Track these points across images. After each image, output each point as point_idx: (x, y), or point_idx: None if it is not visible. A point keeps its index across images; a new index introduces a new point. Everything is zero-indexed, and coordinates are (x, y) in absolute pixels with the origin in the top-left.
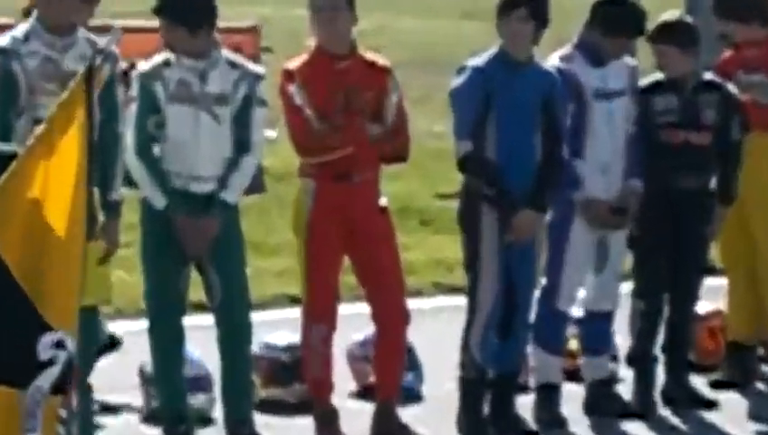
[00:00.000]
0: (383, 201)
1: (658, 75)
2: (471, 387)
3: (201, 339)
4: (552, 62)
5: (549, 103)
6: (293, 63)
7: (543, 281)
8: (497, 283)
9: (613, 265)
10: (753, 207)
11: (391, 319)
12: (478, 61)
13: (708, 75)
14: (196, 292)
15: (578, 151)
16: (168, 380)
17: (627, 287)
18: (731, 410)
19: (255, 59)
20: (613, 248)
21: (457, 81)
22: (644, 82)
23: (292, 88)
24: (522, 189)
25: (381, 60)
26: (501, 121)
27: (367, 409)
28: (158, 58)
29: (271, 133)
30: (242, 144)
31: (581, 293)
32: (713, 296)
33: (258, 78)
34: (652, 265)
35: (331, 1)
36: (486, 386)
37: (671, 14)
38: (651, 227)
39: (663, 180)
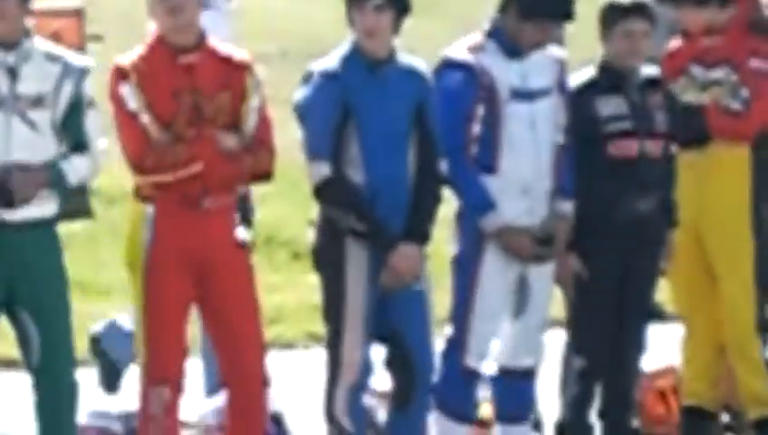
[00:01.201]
0: (242, 233)
1: (591, 71)
2: None
3: (12, 403)
4: (456, 53)
5: (421, 110)
6: (127, 58)
7: (448, 331)
8: (364, 336)
9: (536, 309)
10: (715, 235)
11: (245, 382)
12: (328, 63)
13: (650, 70)
14: (5, 344)
15: (490, 167)
16: None
17: (553, 337)
18: None
19: (80, 49)
20: (536, 288)
21: (305, 91)
22: (576, 79)
23: (125, 89)
24: (397, 218)
25: (239, 53)
26: (365, 137)
27: None
28: None
29: (101, 143)
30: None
31: (496, 345)
32: (662, 348)
33: (85, 73)
34: (596, 311)
35: None
36: None
37: None
38: (596, 262)
39: (611, 203)
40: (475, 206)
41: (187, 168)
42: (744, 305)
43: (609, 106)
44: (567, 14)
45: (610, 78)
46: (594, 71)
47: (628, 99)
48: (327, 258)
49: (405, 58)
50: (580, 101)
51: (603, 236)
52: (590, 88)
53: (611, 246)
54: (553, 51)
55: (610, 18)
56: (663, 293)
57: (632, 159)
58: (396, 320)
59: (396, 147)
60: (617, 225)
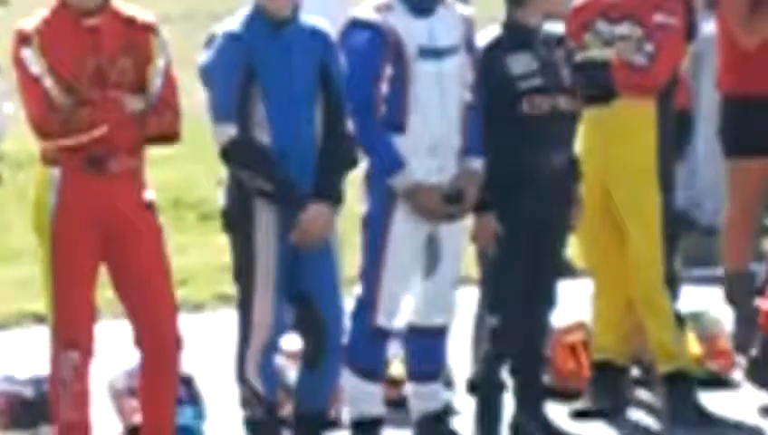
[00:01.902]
0: (149, 194)
1: (497, 29)
2: (260, 430)
3: None
4: (363, 13)
5: (325, 69)
6: (30, 22)
7: (357, 290)
8: (276, 296)
9: (447, 267)
10: (622, 191)
11: (159, 343)
12: (231, 25)
13: (554, 26)
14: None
15: (399, 126)
16: None
17: (464, 294)
18: None
19: None
20: (447, 247)
21: (208, 53)
22: (483, 38)
23: (26, 53)
24: (306, 179)
25: (143, 14)
26: (270, 98)
27: None
28: None
29: (6, 108)
30: None
31: (407, 303)
32: (572, 304)
33: None
34: (511, 269)
35: None
36: (283, 424)
37: None
38: (512, 220)
39: (526, 160)
40: (385, 165)
41: (92, 131)
42: (652, 259)
43: (520, 64)
44: None
45: (519, 36)
46: (500, 29)
47: (536, 55)
48: (236, 219)
49: (308, 18)
50: (490, 60)
51: (519, 193)
52: (498, 46)
53: (527, 202)
54: (460, 7)
55: None
56: (571, 248)
57: (545, 116)
58: (305, 280)
59: (301, 106)
60: (532, 181)
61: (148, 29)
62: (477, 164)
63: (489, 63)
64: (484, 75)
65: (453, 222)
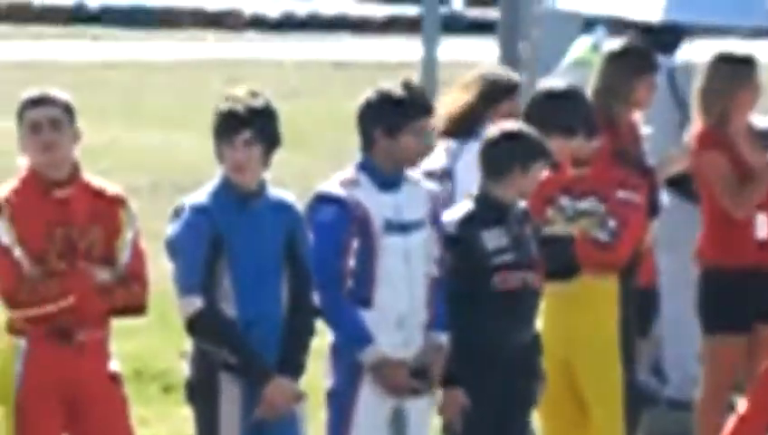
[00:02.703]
0: (114, 366)
1: (469, 204)
2: None
3: None
4: (329, 188)
5: (292, 242)
6: (1, 191)
7: None
8: None
9: None
10: (585, 365)
11: None
12: (198, 198)
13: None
14: None
15: (366, 300)
16: None
17: None
18: None
19: None
20: (413, 422)
21: (175, 226)
22: (454, 212)
23: None
24: (269, 352)
25: (112, 187)
26: (237, 270)
27: None
28: None
29: None
30: None
31: None
32: None
33: None
34: None
35: (48, 116)
36: None
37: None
38: (479, 395)
39: (495, 335)
40: (352, 339)
41: (59, 301)
42: (613, 433)
43: (493, 239)
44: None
45: (492, 210)
46: (473, 203)
47: (509, 231)
48: (200, 392)
49: (274, 191)
50: (463, 234)
51: (488, 368)
52: (472, 220)
53: (494, 378)
54: (426, 184)
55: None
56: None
57: (515, 292)
58: None
59: (268, 280)
60: (501, 357)
61: (117, 201)
62: (443, 338)
63: (462, 238)
64: (457, 249)
65: (418, 397)
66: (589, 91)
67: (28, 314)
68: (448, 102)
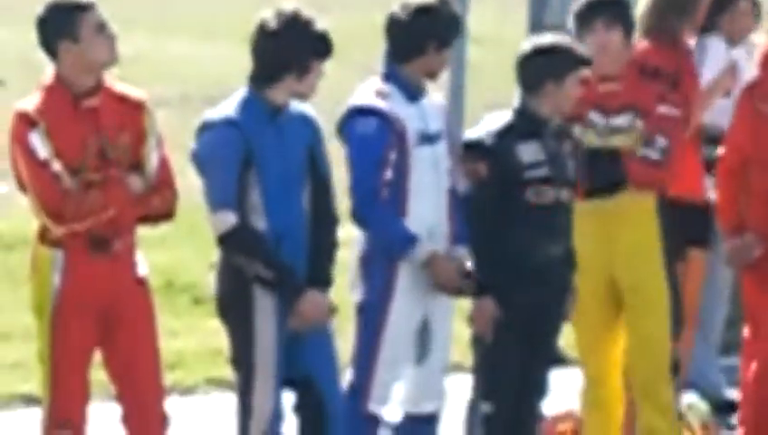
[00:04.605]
0: (142, 270)
1: (507, 115)
2: None
3: None
4: (366, 100)
5: (313, 154)
6: (30, 104)
7: (349, 376)
8: (276, 382)
9: (437, 353)
10: (631, 277)
11: (145, 422)
12: (226, 111)
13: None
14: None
15: (399, 212)
16: None
17: (458, 381)
18: None
19: None
20: (437, 332)
21: (206, 139)
22: (492, 123)
23: (34, 137)
24: (299, 264)
25: (134, 92)
26: (266, 184)
27: None
28: None
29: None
30: None
31: (398, 390)
32: (563, 393)
33: None
34: (506, 357)
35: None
36: None
37: None
38: (509, 307)
39: (526, 248)
40: (403, 241)
41: (101, 214)
42: (660, 345)
43: (529, 152)
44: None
45: (529, 124)
46: (512, 115)
47: (545, 146)
48: (234, 306)
49: (294, 104)
50: (500, 146)
51: (517, 280)
52: (509, 133)
53: (524, 290)
54: (435, 97)
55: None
56: (564, 337)
57: (548, 206)
58: (306, 365)
59: (293, 192)
60: (531, 270)
61: (140, 106)
62: (464, 252)
63: (498, 149)
64: (492, 160)
65: (461, 297)
66: None
67: (74, 229)
68: None
